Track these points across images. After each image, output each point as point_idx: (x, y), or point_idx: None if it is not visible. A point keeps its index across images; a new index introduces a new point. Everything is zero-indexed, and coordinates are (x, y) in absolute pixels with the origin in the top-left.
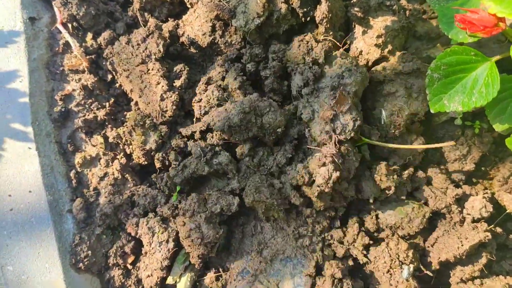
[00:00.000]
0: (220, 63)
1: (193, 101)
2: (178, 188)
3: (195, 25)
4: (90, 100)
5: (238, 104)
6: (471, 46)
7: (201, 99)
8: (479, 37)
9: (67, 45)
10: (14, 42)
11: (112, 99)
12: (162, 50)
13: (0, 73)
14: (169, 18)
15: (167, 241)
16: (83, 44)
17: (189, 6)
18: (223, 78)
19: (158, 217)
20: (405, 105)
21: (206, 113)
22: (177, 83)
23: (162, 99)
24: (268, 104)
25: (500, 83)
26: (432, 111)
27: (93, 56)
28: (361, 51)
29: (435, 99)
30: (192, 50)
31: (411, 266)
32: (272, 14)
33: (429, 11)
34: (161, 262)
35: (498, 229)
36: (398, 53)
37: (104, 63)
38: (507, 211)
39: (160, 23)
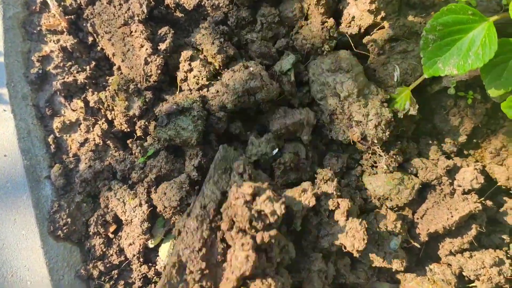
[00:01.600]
0: (205, 26)
1: (178, 80)
2: (150, 151)
3: None
4: (69, 63)
5: (231, 89)
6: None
7: (187, 77)
8: None
9: (44, 3)
10: None
11: (93, 63)
12: (145, 11)
13: None
14: None
15: (140, 205)
16: (62, 3)
17: None
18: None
19: (125, 186)
20: (418, 65)
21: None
22: (162, 46)
23: (146, 63)
24: (260, 85)
25: (498, 46)
26: (425, 75)
27: (72, 17)
28: (353, 17)
29: (429, 62)
30: (178, 13)
31: (399, 237)
32: None
33: None
34: (140, 226)
35: (489, 202)
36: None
37: (84, 25)
38: (498, 184)
39: None
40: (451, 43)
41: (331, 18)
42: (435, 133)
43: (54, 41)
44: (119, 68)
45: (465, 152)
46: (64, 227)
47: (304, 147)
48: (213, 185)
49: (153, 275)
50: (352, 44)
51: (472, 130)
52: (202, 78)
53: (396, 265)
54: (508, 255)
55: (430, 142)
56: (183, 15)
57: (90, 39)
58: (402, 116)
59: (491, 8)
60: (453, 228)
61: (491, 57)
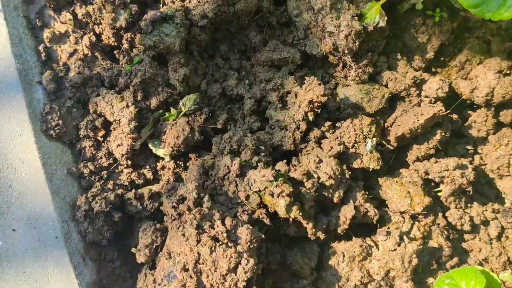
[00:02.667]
0: None
1: None
2: (136, 60)
3: None
4: None
5: None
6: None
7: None
8: None
9: None
10: None
11: None
12: None
13: None
14: None
15: (127, 106)
16: None
17: None
18: None
19: (113, 91)
20: None
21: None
22: None
23: None
24: None
25: None
26: None
27: None
28: None
29: None
30: None
31: (374, 139)
32: None
33: None
34: (128, 125)
35: (454, 116)
36: None
37: None
38: (462, 97)
39: None
40: None
41: None
42: (405, 51)
43: None
44: None
45: (433, 69)
46: (56, 128)
47: None
48: None
49: (139, 178)
50: None
51: (439, 47)
52: None
53: (373, 164)
54: (472, 163)
55: (400, 58)
56: None
57: None
58: (372, 29)
59: None
60: (419, 131)
61: None
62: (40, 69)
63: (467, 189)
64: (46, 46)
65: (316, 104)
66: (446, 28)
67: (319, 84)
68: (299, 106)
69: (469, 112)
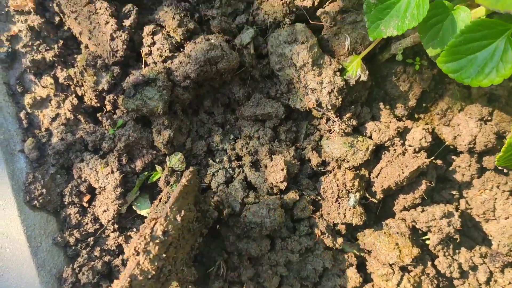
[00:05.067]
0: (167, 3)
1: (142, 52)
2: (119, 122)
3: None
4: (37, 42)
5: (193, 59)
6: None
7: (151, 51)
8: None
9: None
10: None
11: (61, 42)
12: None
13: None
14: None
15: (112, 172)
16: None
17: None
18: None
19: (97, 156)
20: (367, 35)
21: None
22: (127, 22)
23: (112, 39)
24: (220, 54)
25: (432, 8)
26: (370, 38)
27: None
28: None
29: (373, 26)
30: None
31: (357, 194)
32: None
33: None
34: (113, 192)
35: (439, 161)
36: None
37: (50, 5)
38: (446, 143)
39: None
40: (390, 6)
41: None
42: (388, 99)
43: (21, 21)
44: (86, 46)
45: (416, 116)
46: (40, 197)
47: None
48: (177, 211)
49: (126, 241)
50: (308, 17)
51: (421, 95)
52: (165, 51)
53: (356, 220)
54: (458, 209)
55: (383, 107)
56: None
57: (57, 18)
58: (354, 83)
59: None
60: (405, 183)
61: (424, 16)
62: (22, 137)
63: (454, 237)
64: (28, 112)
65: (278, 185)
66: (426, 76)
67: (282, 169)
68: (269, 176)
69: (452, 157)
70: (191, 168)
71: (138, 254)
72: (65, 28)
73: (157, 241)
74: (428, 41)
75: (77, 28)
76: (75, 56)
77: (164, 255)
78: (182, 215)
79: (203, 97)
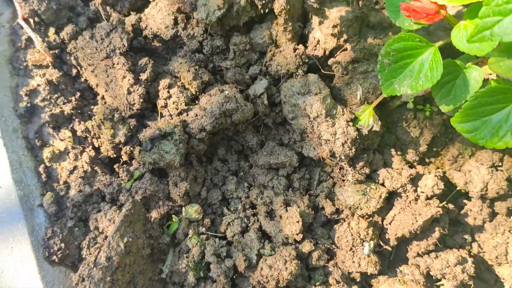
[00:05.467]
0: (182, 54)
1: (158, 105)
2: (136, 174)
3: (157, 18)
4: (55, 95)
5: (208, 112)
6: (420, 34)
7: (167, 104)
8: (424, 24)
9: (29, 40)
10: None
11: (78, 94)
12: (126, 44)
13: None
14: (131, 12)
15: None
16: (46, 39)
17: (151, 0)
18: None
19: (115, 207)
20: (378, 84)
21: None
22: (143, 76)
23: (129, 93)
24: (235, 107)
25: (444, 67)
26: (384, 95)
27: (56, 51)
28: (318, 41)
29: (386, 83)
30: (156, 43)
31: (371, 242)
32: (232, 7)
33: (381, 1)
34: None
35: (450, 205)
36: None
37: (68, 58)
38: (457, 188)
39: (123, 17)
40: (404, 66)
41: (301, 45)
42: (399, 144)
43: (40, 75)
44: (103, 98)
45: (427, 160)
46: (59, 252)
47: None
48: (119, 238)
49: None
50: (319, 65)
51: (431, 140)
52: (180, 104)
53: (371, 269)
54: (471, 254)
55: (394, 153)
56: (160, 44)
57: (74, 71)
58: (366, 132)
59: (442, 27)
60: (418, 231)
61: (438, 79)
62: (40, 191)
63: (468, 283)
64: (46, 166)
65: (293, 237)
66: (437, 121)
67: (297, 221)
68: (284, 227)
69: (464, 200)
70: (131, 200)
71: (83, 280)
72: (82, 79)
73: (100, 266)
74: (441, 98)
75: (94, 80)
76: (92, 107)
77: (109, 278)
78: (125, 242)
79: (217, 145)
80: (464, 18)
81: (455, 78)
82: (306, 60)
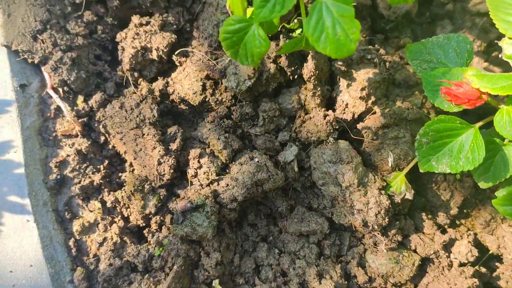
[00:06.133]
0: (210, 120)
1: (188, 174)
2: (165, 243)
3: (185, 84)
4: (84, 165)
5: (240, 183)
6: (456, 114)
7: (197, 173)
8: (464, 107)
9: (58, 109)
10: (6, 111)
11: (106, 161)
12: (156, 115)
13: None
14: (158, 77)
15: None
16: (74, 107)
17: (177, 64)
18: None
19: (147, 275)
20: (409, 150)
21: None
22: (173, 146)
23: (159, 164)
24: (267, 176)
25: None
26: (421, 170)
27: (85, 119)
28: (346, 104)
29: (424, 160)
30: (182, 106)
31: None
32: (261, 75)
33: (404, 57)
34: None
35: (483, 269)
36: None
37: (96, 125)
38: (490, 252)
39: (152, 87)
40: (442, 145)
41: (331, 111)
42: (429, 206)
43: (69, 145)
44: (131, 165)
45: (457, 222)
46: None
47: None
48: None
49: None
50: (348, 129)
51: (462, 202)
52: (211, 174)
53: None
54: None
55: (425, 217)
56: (187, 107)
57: (102, 138)
58: (399, 201)
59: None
60: None
61: (480, 162)
62: (71, 266)
63: None
64: (76, 239)
65: None
66: (467, 184)
67: None
68: None
69: (496, 263)
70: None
71: None
72: (110, 146)
73: None
74: (480, 175)
75: (122, 148)
76: (120, 174)
77: None
78: None
79: (246, 209)
80: (506, 104)
81: (494, 156)
82: (337, 127)
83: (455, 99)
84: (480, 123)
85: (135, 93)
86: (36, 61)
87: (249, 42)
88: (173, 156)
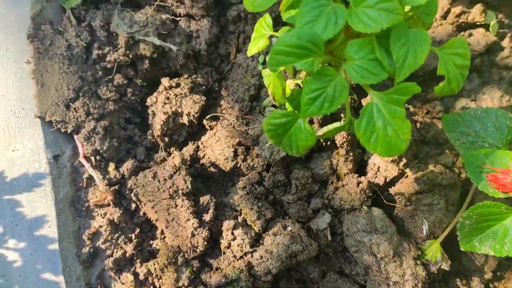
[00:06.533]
0: (241, 186)
1: (222, 247)
2: None
3: (216, 149)
4: (116, 235)
5: (274, 256)
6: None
7: (230, 244)
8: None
9: (90, 178)
10: (40, 185)
11: (138, 229)
12: (190, 186)
13: (28, 219)
14: (188, 141)
15: None
16: (106, 176)
17: (208, 128)
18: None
19: None
20: (444, 218)
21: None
22: (206, 217)
23: (193, 235)
24: (301, 248)
25: None
26: (462, 249)
27: (116, 187)
28: (378, 168)
29: (465, 240)
30: (213, 169)
31: None
32: None
33: (432, 112)
34: None
35: None
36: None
37: (127, 192)
38: None
39: (184, 155)
40: (486, 228)
41: (364, 178)
42: (462, 271)
43: (101, 215)
44: (162, 232)
45: (491, 285)
46: None
47: None
48: None
49: None
50: (380, 193)
51: (496, 266)
52: (245, 246)
53: None
54: None
55: (459, 282)
56: (217, 171)
57: (133, 205)
58: (435, 271)
59: None
60: None
61: None
62: None
63: None
64: None
65: None
66: None
67: None
68: None
69: None
70: None
71: None
72: (141, 213)
73: None
74: None
75: (154, 216)
76: (151, 242)
77: None
78: None
79: (278, 277)
80: None
81: None
82: (370, 194)
83: (502, 188)
84: None
85: (166, 159)
86: (69, 131)
87: (294, 134)
88: (207, 227)
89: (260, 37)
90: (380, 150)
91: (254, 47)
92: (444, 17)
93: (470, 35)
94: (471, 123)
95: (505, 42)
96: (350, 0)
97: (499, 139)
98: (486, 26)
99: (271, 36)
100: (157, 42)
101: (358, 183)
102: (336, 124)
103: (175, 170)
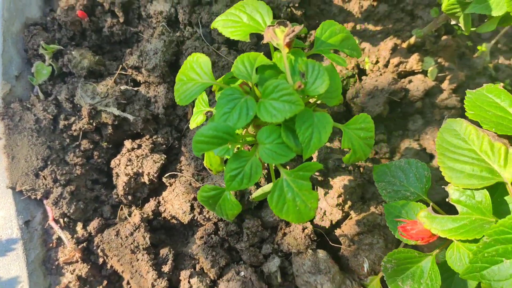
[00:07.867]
0: (199, 235)
1: None
2: None
3: (175, 204)
4: None
5: None
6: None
7: None
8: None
9: (59, 238)
10: (12, 249)
11: (105, 281)
12: (148, 242)
13: (3, 282)
14: (150, 198)
15: None
16: (74, 235)
17: (167, 185)
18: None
19: None
20: (383, 255)
21: None
22: (165, 268)
23: (152, 286)
24: None
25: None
26: None
27: (84, 244)
28: (324, 212)
29: (390, 279)
30: (174, 221)
31: None
32: (243, 196)
33: (380, 152)
34: None
35: None
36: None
37: (94, 248)
38: None
39: (144, 213)
40: (405, 269)
41: (310, 225)
42: None
43: (70, 271)
44: (128, 283)
45: None
46: None
47: None
48: None
49: None
50: (326, 235)
51: None
52: None
53: None
54: None
55: None
56: (178, 222)
57: (101, 260)
58: None
59: None
60: None
61: None
62: None
63: None
64: None
65: None
66: None
67: None
68: None
69: None
70: None
71: None
72: (108, 266)
73: None
74: None
75: (120, 268)
76: None
77: None
78: None
79: None
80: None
81: (452, 276)
82: (315, 238)
83: (410, 237)
84: (437, 251)
85: (128, 219)
86: (38, 197)
87: (223, 205)
88: (166, 278)
89: (199, 112)
90: (292, 218)
91: (193, 122)
92: (386, 65)
93: (410, 81)
94: (396, 173)
95: (444, 85)
96: (260, 92)
97: (420, 188)
98: (424, 72)
99: (207, 112)
100: (116, 112)
101: (304, 229)
102: (265, 188)
103: (135, 228)
